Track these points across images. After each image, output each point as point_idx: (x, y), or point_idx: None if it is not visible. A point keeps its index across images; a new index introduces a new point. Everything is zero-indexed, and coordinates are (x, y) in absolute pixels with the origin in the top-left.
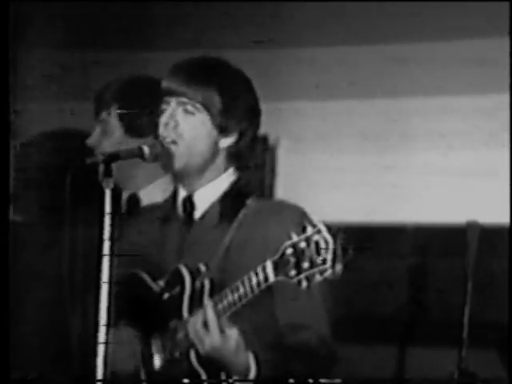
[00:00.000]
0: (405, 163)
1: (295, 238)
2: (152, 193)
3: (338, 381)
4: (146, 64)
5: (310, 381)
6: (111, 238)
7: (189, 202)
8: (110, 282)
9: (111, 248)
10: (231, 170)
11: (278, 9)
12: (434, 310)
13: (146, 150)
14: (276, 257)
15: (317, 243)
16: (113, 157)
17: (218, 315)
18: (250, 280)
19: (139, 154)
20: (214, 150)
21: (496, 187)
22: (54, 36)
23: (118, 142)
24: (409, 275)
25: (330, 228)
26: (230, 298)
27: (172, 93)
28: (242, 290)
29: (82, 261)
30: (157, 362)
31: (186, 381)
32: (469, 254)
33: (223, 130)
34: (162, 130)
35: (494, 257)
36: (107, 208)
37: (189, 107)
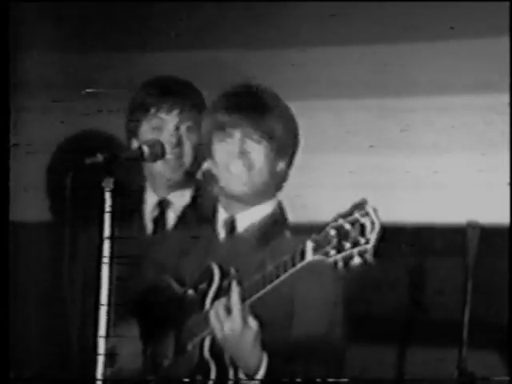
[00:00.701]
0: (405, 163)
1: (340, 221)
2: (183, 196)
3: (345, 380)
4: (146, 64)
5: (318, 380)
6: (111, 238)
7: (231, 224)
8: (111, 282)
9: (111, 248)
10: (275, 199)
11: (279, 9)
12: (433, 310)
13: (145, 150)
14: (318, 237)
15: (363, 225)
16: (113, 157)
17: (243, 299)
18: (285, 261)
19: (139, 154)
20: (274, 176)
21: (496, 187)
22: (53, 36)
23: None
24: (409, 275)
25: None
26: (259, 282)
27: (235, 125)
28: (274, 272)
29: (82, 261)
30: (166, 358)
31: (186, 380)
32: (469, 254)
33: (281, 156)
34: (227, 158)
35: (494, 257)
36: (107, 208)
37: (254, 136)
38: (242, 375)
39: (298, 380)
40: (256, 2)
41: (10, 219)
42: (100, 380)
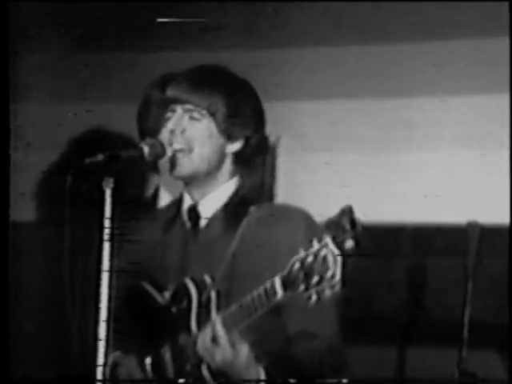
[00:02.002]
0: (405, 163)
1: (302, 254)
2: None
3: (345, 381)
4: (146, 64)
5: (318, 381)
6: (111, 239)
7: (194, 212)
8: (110, 282)
9: (111, 248)
10: (235, 178)
11: (279, 9)
12: (434, 310)
13: (145, 150)
14: (284, 273)
15: (325, 257)
16: (112, 157)
17: (227, 330)
18: (259, 296)
19: (139, 154)
20: (221, 156)
21: (496, 187)
22: (54, 36)
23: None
24: (409, 275)
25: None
26: (239, 313)
27: (177, 100)
28: (251, 306)
29: (82, 261)
30: (168, 375)
31: (181, 381)
32: (469, 254)
33: (229, 136)
34: (168, 137)
35: (493, 257)
36: (107, 208)
37: (195, 114)
38: None
39: (295, 381)
40: (256, 2)
41: (10, 219)
42: (100, 380)
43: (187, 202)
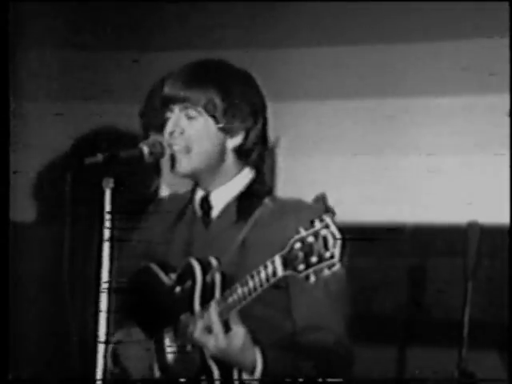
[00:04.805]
0: (405, 163)
1: (303, 233)
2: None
3: (344, 380)
4: (145, 64)
5: (319, 380)
6: (111, 238)
7: (206, 202)
8: (110, 282)
9: (111, 248)
10: (247, 170)
11: (279, 9)
12: (434, 310)
13: (145, 149)
14: (284, 251)
15: (325, 238)
16: (112, 156)
17: (227, 310)
18: (258, 274)
19: (139, 153)
20: (222, 151)
21: (496, 187)
22: (53, 36)
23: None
24: (409, 275)
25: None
26: (239, 291)
27: (175, 99)
28: (251, 284)
29: (82, 261)
30: (170, 355)
31: (182, 380)
32: (469, 254)
33: (228, 131)
34: (167, 138)
35: (494, 257)
36: (107, 207)
37: (191, 112)
38: (244, 374)
39: (300, 380)
40: (256, 2)
41: (10, 219)
42: (100, 380)
43: (199, 193)
